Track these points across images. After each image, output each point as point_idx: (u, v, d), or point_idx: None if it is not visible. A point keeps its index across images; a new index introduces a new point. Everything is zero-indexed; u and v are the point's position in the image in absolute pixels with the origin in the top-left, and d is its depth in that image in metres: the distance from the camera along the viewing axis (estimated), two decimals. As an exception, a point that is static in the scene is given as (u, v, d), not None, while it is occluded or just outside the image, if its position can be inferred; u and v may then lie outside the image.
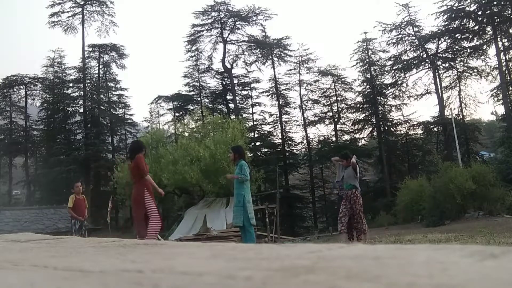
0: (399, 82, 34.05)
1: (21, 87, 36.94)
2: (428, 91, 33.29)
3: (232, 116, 28.54)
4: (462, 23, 30.59)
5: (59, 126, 36.58)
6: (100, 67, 36.13)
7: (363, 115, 35.14)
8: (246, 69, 36.28)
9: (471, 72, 32.69)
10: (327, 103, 36.19)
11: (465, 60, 32.46)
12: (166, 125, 34.29)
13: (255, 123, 35.64)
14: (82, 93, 35.73)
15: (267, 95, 36.28)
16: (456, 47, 31.99)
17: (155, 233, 5.95)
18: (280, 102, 35.46)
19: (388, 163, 32.28)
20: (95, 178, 31.86)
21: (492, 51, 30.64)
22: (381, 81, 34.94)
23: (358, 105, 35.40)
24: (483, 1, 28.82)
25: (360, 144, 36.06)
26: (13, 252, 1.61)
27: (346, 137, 35.82)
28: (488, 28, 30.06)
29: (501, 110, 31.14)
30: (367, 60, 34.84)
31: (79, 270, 0.87)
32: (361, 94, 35.26)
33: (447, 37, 31.54)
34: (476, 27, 30.53)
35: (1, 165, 36.16)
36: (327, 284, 0.57)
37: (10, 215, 20.77)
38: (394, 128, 35.00)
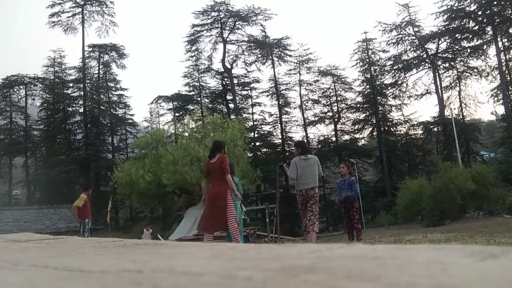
0: (399, 82, 34.09)
1: (21, 87, 36.94)
2: (428, 91, 33.32)
3: (232, 116, 28.53)
4: (462, 23, 30.60)
5: (59, 126, 36.57)
6: (100, 67, 36.15)
7: (363, 115, 35.16)
8: (246, 69, 36.34)
9: (471, 72, 32.70)
10: (327, 103, 36.22)
11: (465, 60, 32.47)
12: (166, 125, 34.33)
13: (255, 123, 35.63)
14: (82, 93, 35.74)
15: (267, 95, 36.33)
16: (456, 47, 32.00)
17: (237, 231, 6.25)
18: (280, 102, 35.46)
19: (388, 163, 32.27)
20: (95, 178, 31.84)
21: (492, 51, 30.70)
22: (381, 81, 34.97)
23: (358, 105, 35.42)
24: (483, 1, 28.82)
25: (360, 144, 36.09)
26: (13, 252, 1.61)
27: (346, 137, 35.85)
28: (488, 28, 30.07)
29: (501, 110, 31.19)
30: (367, 60, 34.85)
31: (79, 270, 0.87)
32: (361, 94, 35.28)
33: (447, 37, 31.55)
34: (476, 27, 30.53)
35: (1, 165, 36.16)
36: (327, 284, 0.57)
37: (10, 215, 20.78)
38: (394, 128, 35.03)
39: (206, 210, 6.44)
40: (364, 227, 22.13)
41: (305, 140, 35.16)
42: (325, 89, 36.15)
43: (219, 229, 6.38)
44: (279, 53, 35.79)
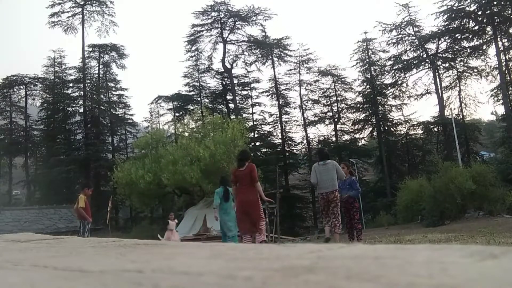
0: (399, 82, 34.07)
1: (21, 87, 36.96)
2: (428, 91, 33.31)
3: (232, 116, 28.53)
4: (462, 23, 30.59)
5: (59, 126, 36.59)
6: (100, 67, 36.15)
7: (363, 115, 35.14)
8: (246, 69, 36.33)
9: (471, 72, 32.69)
10: (327, 103, 36.19)
11: (465, 60, 32.46)
12: (166, 125, 34.32)
13: (255, 123, 35.63)
14: (82, 93, 35.75)
15: (267, 95, 36.32)
16: (456, 47, 31.99)
17: (264, 232, 7.17)
18: (280, 102, 35.46)
19: (388, 163, 32.27)
20: (95, 178, 31.85)
21: (492, 51, 30.69)
22: (381, 81, 34.95)
23: (358, 105, 35.41)
24: (483, 1, 28.81)
25: (360, 144, 36.08)
26: (13, 252, 1.61)
27: (346, 137, 35.84)
28: (488, 28, 30.06)
29: (501, 110, 31.19)
30: (367, 60, 34.83)
31: (79, 270, 0.87)
32: (361, 94, 35.26)
33: (447, 37, 31.54)
34: (476, 27, 30.52)
35: (1, 165, 36.16)
36: (327, 284, 0.57)
37: (10, 215, 20.78)
38: (394, 128, 35.01)
39: (239, 215, 7.03)
40: (364, 227, 22.12)
41: (307, 140, 35.26)
42: (325, 89, 36.15)
43: (252, 230, 7.01)
44: (279, 53, 35.78)
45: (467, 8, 30.16)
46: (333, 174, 7.52)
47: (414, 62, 33.25)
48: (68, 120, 36.67)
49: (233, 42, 35.73)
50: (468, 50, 31.64)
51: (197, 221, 18.01)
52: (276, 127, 35.92)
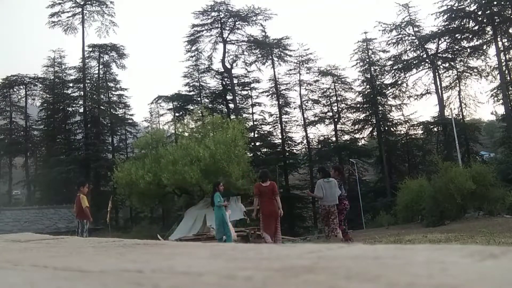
0: (399, 82, 34.06)
1: (21, 87, 36.94)
2: (428, 91, 33.29)
3: (232, 116, 28.51)
4: (462, 23, 30.58)
5: (59, 126, 36.59)
6: (100, 67, 36.13)
7: (363, 115, 35.13)
8: (246, 69, 36.29)
9: (471, 72, 32.67)
10: (327, 103, 36.17)
11: (465, 60, 32.44)
12: (166, 125, 34.32)
13: (255, 123, 35.60)
14: (82, 93, 35.74)
15: (267, 95, 36.28)
16: (456, 47, 31.98)
17: (280, 235, 9.06)
18: (280, 102, 35.44)
19: (388, 163, 32.26)
20: (95, 178, 31.84)
21: (492, 51, 30.67)
22: (381, 81, 34.93)
23: (358, 105, 35.40)
24: (483, 1, 28.81)
25: (360, 144, 36.07)
26: (13, 252, 1.61)
27: (346, 137, 35.81)
28: (488, 28, 30.05)
29: (501, 110, 31.17)
30: (367, 60, 34.83)
31: (79, 270, 0.87)
32: (361, 94, 35.25)
33: (447, 37, 31.52)
34: (476, 27, 30.52)
35: (1, 165, 36.16)
36: (327, 284, 0.57)
37: (10, 215, 20.80)
38: (394, 128, 35.00)
39: (265, 221, 8.79)
40: (364, 227, 22.18)
41: (307, 140, 35.28)
42: (325, 89, 36.11)
43: (272, 233, 8.79)
44: (279, 53, 35.75)
45: (467, 8, 30.16)
46: (335, 190, 8.82)
47: (414, 62, 33.23)
48: (68, 120, 36.66)
49: (233, 42, 35.74)
50: (468, 50, 31.62)
51: (197, 221, 18.02)
52: (276, 127, 35.90)
